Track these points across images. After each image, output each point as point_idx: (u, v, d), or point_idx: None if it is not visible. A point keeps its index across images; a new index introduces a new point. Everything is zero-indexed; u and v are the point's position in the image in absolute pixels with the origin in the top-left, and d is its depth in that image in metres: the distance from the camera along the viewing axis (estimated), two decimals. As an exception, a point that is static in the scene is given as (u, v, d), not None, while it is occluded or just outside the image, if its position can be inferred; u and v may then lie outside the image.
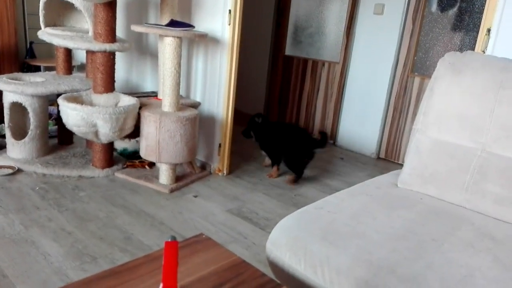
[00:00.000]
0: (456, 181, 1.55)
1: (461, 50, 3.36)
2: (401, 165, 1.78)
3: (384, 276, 1.11)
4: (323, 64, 4.18)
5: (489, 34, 2.10)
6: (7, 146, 2.87)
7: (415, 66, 3.60)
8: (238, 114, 4.92)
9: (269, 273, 1.33)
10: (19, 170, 2.75)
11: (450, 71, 1.66)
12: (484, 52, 2.12)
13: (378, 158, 3.90)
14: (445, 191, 1.58)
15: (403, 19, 3.56)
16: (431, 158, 1.63)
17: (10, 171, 2.71)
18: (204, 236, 1.22)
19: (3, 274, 1.73)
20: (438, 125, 1.66)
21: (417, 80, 3.58)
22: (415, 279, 1.09)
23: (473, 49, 3.19)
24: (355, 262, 1.17)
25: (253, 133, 3.19)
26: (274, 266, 1.33)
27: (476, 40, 2.19)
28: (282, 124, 3.23)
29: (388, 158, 3.86)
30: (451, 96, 1.63)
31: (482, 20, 2.13)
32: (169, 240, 0.82)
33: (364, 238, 1.26)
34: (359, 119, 3.96)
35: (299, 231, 1.32)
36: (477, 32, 3.04)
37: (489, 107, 1.54)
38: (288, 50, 4.51)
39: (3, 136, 3.06)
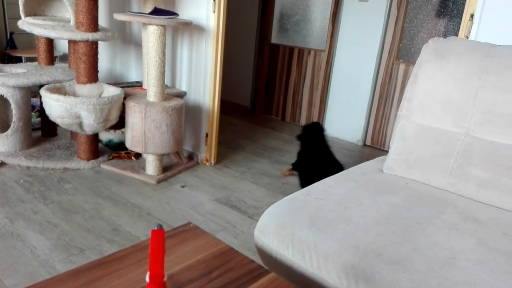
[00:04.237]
0: (440, 166, 1.58)
1: (445, 36, 3.38)
2: (387, 152, 1.79)
3: (371, 260, 1.12)
4: (309, 52, 4.18)
5: (472, 20, 2.11)
6: (-11, 139, 2.82)
7: (400, 53, 3.62)
8: (225, 103, 4.91)
9: (258, 261, 1.34)
10: (2, 163, 2.71)
11: (434, 57, 1.67)
12: (467, 38, 2.14)
13: (364, 145, 3.93)
14: (430, 175, 1.60)
15: (388, 6, 3.56)
16: (416, 144, 1.65)
17: (-7, 164, 2.67)
18: (192, 225, 1.22)
19: (-12, 268, 1.71)
20: (422, 110, 1.67)
21: (402, 67, 3.60)
22: (401, 262, 1.11)
23: (457, 35, 3.22)
24: (342, 247, 1.18)
25: (300, 140, 2.92)
26: (263, 253, 1.34)
27: (460, 26, 2.21)
28: (323, 150, 2.89)
29: (374, 145, 3.89)
30: (435, 82, 1.64)
31: (466, 6, 2.14)
32: (155, 228, 0.82)
33: (351, 223, 1.27)
34: (345, 107, 3.98)
35: (286, 217, 1.33)
36: (461, 18, 3.06)
37: (473, 92, 1.55)
38: (274, 38, 4.49)
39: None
